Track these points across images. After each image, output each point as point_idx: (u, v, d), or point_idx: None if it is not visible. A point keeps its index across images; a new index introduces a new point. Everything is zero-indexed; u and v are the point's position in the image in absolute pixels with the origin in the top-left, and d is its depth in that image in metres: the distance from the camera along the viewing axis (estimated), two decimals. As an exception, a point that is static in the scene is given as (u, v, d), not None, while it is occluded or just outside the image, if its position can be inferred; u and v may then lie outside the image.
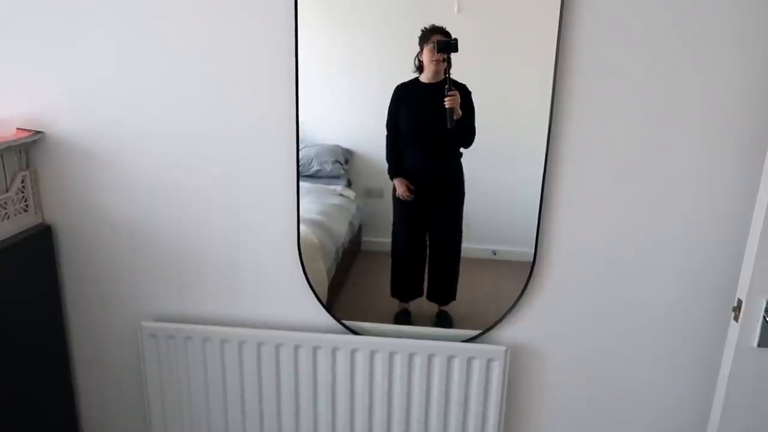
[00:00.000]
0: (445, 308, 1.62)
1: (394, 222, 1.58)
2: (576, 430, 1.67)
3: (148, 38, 1.47)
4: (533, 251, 1.52)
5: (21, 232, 1.54)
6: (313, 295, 1.60)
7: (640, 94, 1.38)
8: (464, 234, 1.58)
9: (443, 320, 1.62)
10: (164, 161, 1.56)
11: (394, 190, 1.54)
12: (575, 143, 1.43)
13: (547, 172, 1.45)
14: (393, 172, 1.53)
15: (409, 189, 1.53)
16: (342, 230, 1.64)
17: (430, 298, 1.61)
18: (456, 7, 1.41)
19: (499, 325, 1.59)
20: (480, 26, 1.43)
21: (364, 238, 1.65)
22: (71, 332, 1.73)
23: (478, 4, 1.42)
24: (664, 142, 1.40)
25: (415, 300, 1.63)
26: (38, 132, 1.55)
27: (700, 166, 1.41)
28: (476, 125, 1.46)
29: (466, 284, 1.61)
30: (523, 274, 1.57)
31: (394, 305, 1.64)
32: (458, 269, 1.59)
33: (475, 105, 1.45)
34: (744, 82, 1.34)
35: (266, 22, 1.42)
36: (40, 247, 1.59)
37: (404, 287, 1.63)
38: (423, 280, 1.61)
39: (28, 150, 1.57)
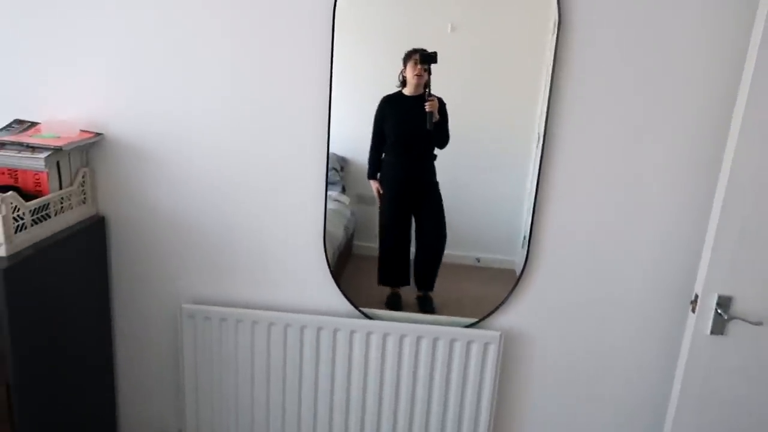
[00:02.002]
0: (429, 294, 1.83)
1: (381, 214, 1.78)
2: (558, 405, 1.93)
3: (199, 54, 1.70)
4: (525, 251, 1.77)
5: (79, 222, 1.74)
6: (334, 284, 1.84)
7: (620, 121, 1.65)
8: (450, 241, 1.77)
9: (426, 304, 1.83)
10: (207, 163, 1.78)
11: (378, 191, 1.77)
12: (564, 157, 1.69)
13: (540, 180, 1.71)
14: (371, 175, 1.75)
15: (378, 192, 1.76)
16: (339, 234, 1.82)
17: (417, 283, 1.82)
18: (449, 27, 1.63)
19: (494, 313, 1.84)
20: (472, 45, 1.63)
21: (355, 243, 1.83)
22: (115, 311, 1.94)
23: (470, 25, 1.62)
24: (638, 161, 1.68)
25: (403, 288, 1.83)
26: (98, 134, 1.76)
27: (667, 182, 1.69)
28: (466, 139, 1.69)
29: (451, 289, 1.81)
30: (504, 280, 1.79)
31: (383, 297, 1.84)
32: (441, 257, 1.79)
33: (464, 119, 1.68)
34: (702, 114, 1.63)
35: (304, 43, 1.66)
36: (94, 235, 1.80)
37: (390, 274, 1.82)
38: (409, 267, 1.82)
39: (88, 149, 1.78)
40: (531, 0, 1.60)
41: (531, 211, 1.73)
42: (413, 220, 1.79)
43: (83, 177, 1.75)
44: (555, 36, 1.59)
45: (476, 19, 1.62)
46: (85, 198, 1.77)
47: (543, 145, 1.68)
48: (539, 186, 1.71)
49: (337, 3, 1.61)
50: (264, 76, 1.70)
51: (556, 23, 1.58)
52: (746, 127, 1.49)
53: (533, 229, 1.75)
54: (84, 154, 1.77)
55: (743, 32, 1.54)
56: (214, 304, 1.89)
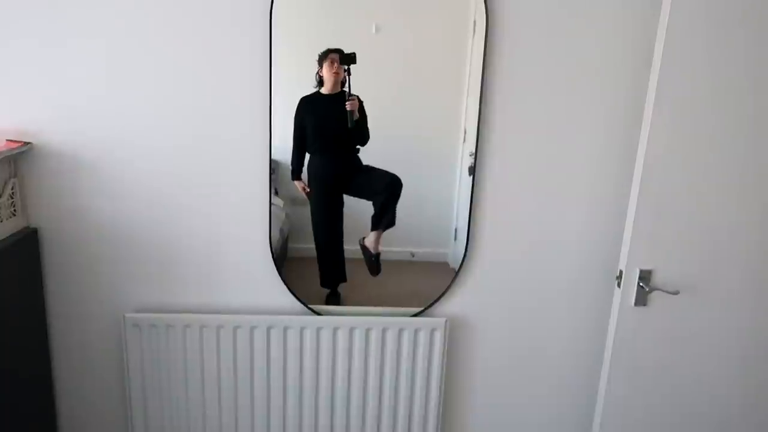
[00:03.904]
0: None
1: (312, 213, 1.81)
2: (501, 384, 2.04)
3: (133, 55, 1.67)
4: (464, 243, 1.85)
5: (10, 236, 1.66)
6: (282, 282, 1.85)
7: (545, 116, 1.77)
8: (385, 237, 1.80)
9: (373, 263, 1.86)
10: (145, 167, 1.75)
11: (305, 190, 1.79)
12: (495, 152, 1.80)
13: (475, 174, 1.80)
14: (295, 175, 1.77)
15: (304, 190, 1.79)
16: (274, 237, 1.83)
17: (378, 225, 1.82)
18: (374, 27, 1.68)
19: (438, 302, 1.92)
20: (397, 45, 1.69)
21: (291, 245, 1.85)
22: (53, 325, 1.86)
23: (395, 25, 1.68)
24: (563, 153, 1.81)
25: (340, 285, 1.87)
26: (27, 143, 1.69)
27: (590, 171, 1.83)
28: (394, 138, 1.75)
29: (389, 283, 1.87)
30: (438, 272, 1.88)
31: (323, 297, 1.87)
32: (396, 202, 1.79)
33: (391, 118, 1.74)
34: (618, 107, 1.78)
35: (241, 44, 1.67)
36: (26, 248, 1.72)
37: (329, 273, 1.86)
38: (344, 264, 1.85)
39: (16, 159, 1.70)
40: (454, 1, 1.68)
41: (463, 206, 1.82)
42: (355, 199, 1.80)
43: (12, 188, 1.68)
44: (483, 36, 1.68)
45: (401, 19, 1.68)
46: (14, 210, 1.70)
47: (476, 141, 1.76)
48: (474, 181, 1.81)
49: (274, 5, 1.63)
50: (202, 78, 1.69)
51: (480, 23, 1.67)
52: (656, 120, 1.64)
53: (471, 221, 1.84)
54: (12, 165, 1.69)
55: (651, 35, 1.68)
56: (160, 312, 1.86)
